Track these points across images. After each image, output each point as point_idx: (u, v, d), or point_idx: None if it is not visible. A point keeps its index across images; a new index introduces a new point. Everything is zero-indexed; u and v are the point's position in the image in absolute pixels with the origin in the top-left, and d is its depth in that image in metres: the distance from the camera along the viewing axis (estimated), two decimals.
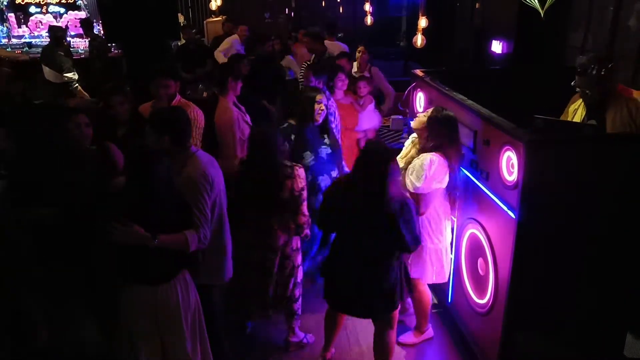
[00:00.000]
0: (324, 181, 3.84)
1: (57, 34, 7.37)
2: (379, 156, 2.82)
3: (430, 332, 3.74)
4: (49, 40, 7.67)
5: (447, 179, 3.18)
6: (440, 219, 3.34)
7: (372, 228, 2.85)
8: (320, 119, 3.83)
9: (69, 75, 7.11)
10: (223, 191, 2.97)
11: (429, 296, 3.57)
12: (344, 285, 3.04)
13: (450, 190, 3.29)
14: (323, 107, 3.82)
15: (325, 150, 3.87)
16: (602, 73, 3.16)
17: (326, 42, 7.11)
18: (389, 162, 2.79)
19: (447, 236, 3.42)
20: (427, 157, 3.14)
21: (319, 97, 3.78)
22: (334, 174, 3.94)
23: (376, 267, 2.94)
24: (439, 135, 3.18)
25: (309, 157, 3.79)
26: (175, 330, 2.65)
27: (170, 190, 2.58)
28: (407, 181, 3.17)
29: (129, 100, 3.56)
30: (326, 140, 3.89)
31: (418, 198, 3.16)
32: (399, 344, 3.63)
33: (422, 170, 3.10)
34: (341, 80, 4.90)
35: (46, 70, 7.10)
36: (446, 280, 3.52)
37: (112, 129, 3.50)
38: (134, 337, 2.62)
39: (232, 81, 4.09)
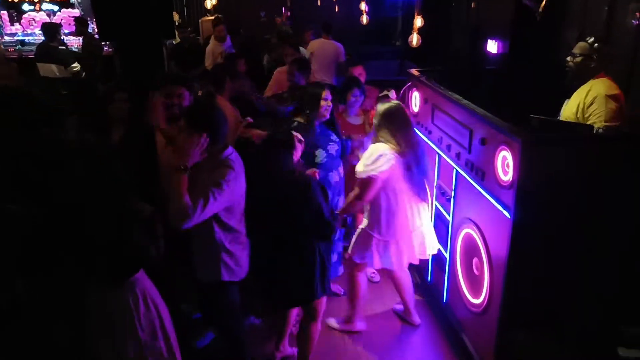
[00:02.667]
0: (333, 177, 3.81)
1: (51, 30, 7.35)
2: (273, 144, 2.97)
3: (416, 319, 3.86)
4: (43, 38, 7.64)
5: (386, 173, 3.24)
6: (390, 209, 3.37)
7: (283, 215, 2.93)
8: (327, 115, 3.79)
9: (74, 66, 7.12)
10: (243, 197, 2.93)
11: (405, 281, 3.71)
12: (268, 278, 3.11)
13: (413, 186, 3.36)
14: (329, 103, 3.78)
15: (333, 147, 3.82)
16: (594, 46, 3.25)
17: (322, 40, 7.10)
18: (280, 151, 2.92)
19: (415, 222, 3.45)
20: (377, 147, 3.26)
21: (324, 93, 3.74)
22: (341, 169, 3.91)
23: (292, 254, 3.01)
24: (380, 127, 3.28)
25: (321, 155, 3.73)
26: (131, 336, 2.55)
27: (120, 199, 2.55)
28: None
29: (130, 100, 3.49)
30: (333, 137, 3.84)
31: (362, 184, 3.25)
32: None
33: (366, 159, 3.25)
34: (355, 96, 4.28)
35: (44, 67, 7.05)
36: (415, 261, 3.57)
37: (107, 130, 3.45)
38: (93, 338, 2.58)
39: (229, 81, 4.10)
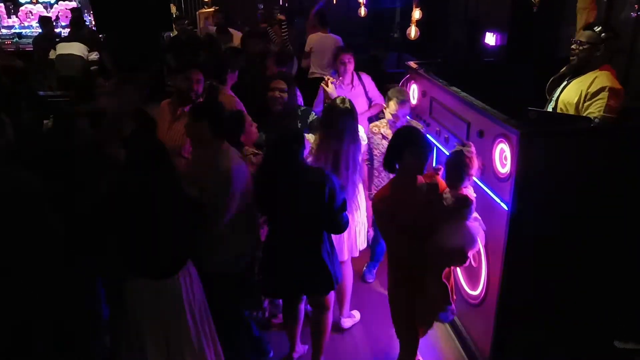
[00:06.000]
0: None
1: (78, 19, 7.65)
2: (285, 138, 2.85)
3: (345, 323, 3.76)
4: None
5: None
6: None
7: (300, 208, 2.85)
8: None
9: (92, 53, 7.15)
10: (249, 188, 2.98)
11: (346, 274, 3.58)
12: (284, 270, 3.03)
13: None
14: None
15: None
16: (602, 36, 3.15)
17: (319, 34, 7.01)
18: (295, 143, 2.82)
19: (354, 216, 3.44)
20: None
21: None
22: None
23: (309, 245, 2.95)
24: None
25: None
26: (180, 323, 2.65)
27: (174, 189, 2.59)
28: None
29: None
30: None
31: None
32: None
33: None
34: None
35: (75, 45, 6.98)
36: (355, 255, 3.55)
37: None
38: (139, 329, 2.63)
39: (230, 73, 4.31)
